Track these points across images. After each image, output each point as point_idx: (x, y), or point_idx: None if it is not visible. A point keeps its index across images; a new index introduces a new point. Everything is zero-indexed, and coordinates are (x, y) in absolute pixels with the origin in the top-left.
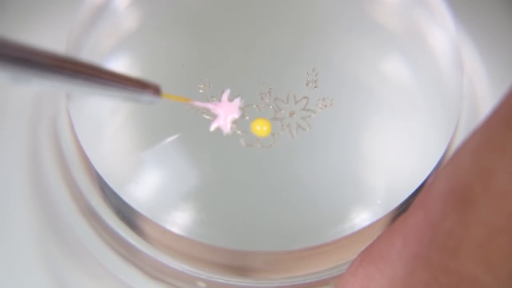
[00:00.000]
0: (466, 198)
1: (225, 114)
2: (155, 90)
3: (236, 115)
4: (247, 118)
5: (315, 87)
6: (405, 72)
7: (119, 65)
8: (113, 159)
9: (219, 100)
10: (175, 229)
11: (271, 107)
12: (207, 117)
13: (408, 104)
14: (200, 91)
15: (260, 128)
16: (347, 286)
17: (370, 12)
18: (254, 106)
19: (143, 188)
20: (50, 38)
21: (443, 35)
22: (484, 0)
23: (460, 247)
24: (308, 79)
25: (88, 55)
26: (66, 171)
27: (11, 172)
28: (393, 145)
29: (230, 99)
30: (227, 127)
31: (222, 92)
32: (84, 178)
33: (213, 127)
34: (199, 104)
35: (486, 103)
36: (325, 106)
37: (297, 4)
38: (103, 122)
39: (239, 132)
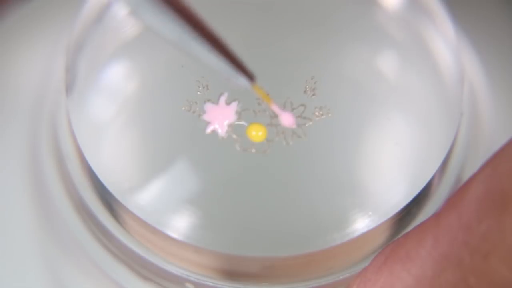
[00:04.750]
0: (504, 202)
1: (221, 118)
2: (249, 77)
3: (232, 119)
4: (243, 122)
5: (313, 95)
6: (406, 82)
7: (119, 66)
8: (111, 161)
9: (216, 103)
10: (171, 233)
11: (267, 112)
12: (205, 119)
13: (408, 113)
14: (198, 93)
15: (256, 133)
16: (369, 284)
17: (371, 21)
18: (251, 110)
19: (140, 190)
20: (50, 43)
21: (444, 43)
22: (485, 6)
23: (493, 251)
24: (307, 87)
25: (88, 56)
26: (64, 172)
27: (9, 172)
28: (391, 154)
29: (227, 103)
30: (223, 131)
31: (220, 95)
32: (82, 180)
33: (209, 130)
34: (275, 108)
35: (487, 111)
36: (322, 114)
37: (298, 11)
38: (102, 125)
39: (234, 136)
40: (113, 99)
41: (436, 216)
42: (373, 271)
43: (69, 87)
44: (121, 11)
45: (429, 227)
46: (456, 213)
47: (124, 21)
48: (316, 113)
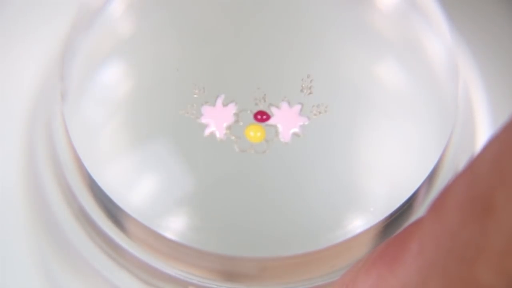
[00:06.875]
0: (486, 206)
1: (219, 120)
2: None
3: (230, 120)
4: (241, 123)
5: (310, 93)
6: (401, 79)
7: (114, 71)
8: (107, 163)
9: (213, 105)
10: (168, 234)
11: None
12: (202, 121)
13: (403, 111)
14: (195, 95)
15: (254, 134)
16: (357, 284)
17: (366, 19)
18: (248, 111)
19: (137, 192)
20: (46, 43)
21: (439, 42)
22: (480, 6)
23: (479, 257)
24: (303, 85)
25: (83, 59)
26: (60, 175)
27: (5, 175)
28: (387, 152)
29: (225, 105)
30: (221, 133)
31: (216, 97)
32: (78, 182)
33: (207, 133)
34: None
35: (482, 111)
36: (319, 112)
37: (293, 10)
38: (97, 127)
39: (233, 137)
40: (109, 104)
41: (421, 221)
42: (362, 272)
43: (64, 94)
44: (116, 14)
45: (415, 232)
46: (440, 219)
47: (119, 24)
48: (314, 111)
